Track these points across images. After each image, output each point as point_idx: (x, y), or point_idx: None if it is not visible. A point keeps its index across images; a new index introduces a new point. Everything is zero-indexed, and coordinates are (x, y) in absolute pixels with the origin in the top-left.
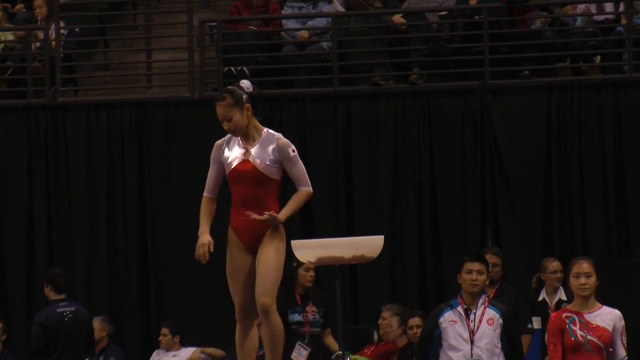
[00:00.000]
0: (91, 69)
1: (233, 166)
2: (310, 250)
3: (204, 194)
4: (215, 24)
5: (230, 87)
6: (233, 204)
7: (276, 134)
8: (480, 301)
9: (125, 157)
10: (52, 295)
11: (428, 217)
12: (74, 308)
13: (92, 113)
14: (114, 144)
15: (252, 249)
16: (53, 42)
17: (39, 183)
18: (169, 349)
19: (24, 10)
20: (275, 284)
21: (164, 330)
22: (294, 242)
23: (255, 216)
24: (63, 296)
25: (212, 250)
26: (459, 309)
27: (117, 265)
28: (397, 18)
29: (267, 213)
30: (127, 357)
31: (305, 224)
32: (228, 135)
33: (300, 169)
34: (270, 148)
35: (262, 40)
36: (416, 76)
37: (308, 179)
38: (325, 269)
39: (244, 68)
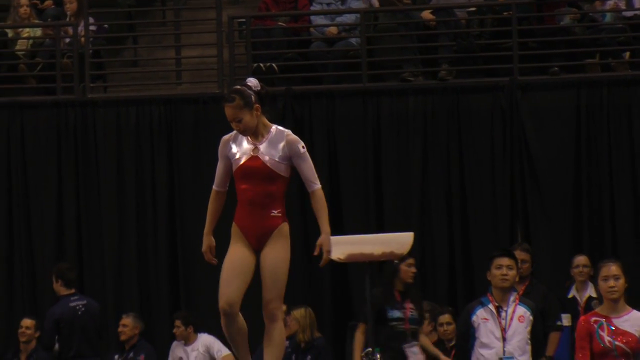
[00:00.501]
0: (120, 65)
1: (241, 162)
2: (340, 247)
3: (214, 187)
4: (244, 20)
5: (238, 87)
6: (240, 201)
7: (285, 130)
8: (512, 298)
9: (155, 153)
10: (62, 290)
11: (457, 214)
12: (85, 301)
13: (122, 109)
14: (143, 140)
15: (257, 248)
16: (82, 39)
17: (68, 180)
18: (185, 341)
19: (53, 6)
20: (284, 288)
21: (177, 322)
22: None
23: (323, 264)
24: (73, 290)
25: (214, 254)
26: (490, 306)
27: (146, 261)
28: (426, 14)
29: (320, 246)
30: (156, 353)
31: (335, 221)
32: (235, 131)
33: (310, 165)
34: (280, 144)
35: (291, 36)
36: (445, 72)
37: (316, 175)
38: (355, 266)
39: (273, 64)
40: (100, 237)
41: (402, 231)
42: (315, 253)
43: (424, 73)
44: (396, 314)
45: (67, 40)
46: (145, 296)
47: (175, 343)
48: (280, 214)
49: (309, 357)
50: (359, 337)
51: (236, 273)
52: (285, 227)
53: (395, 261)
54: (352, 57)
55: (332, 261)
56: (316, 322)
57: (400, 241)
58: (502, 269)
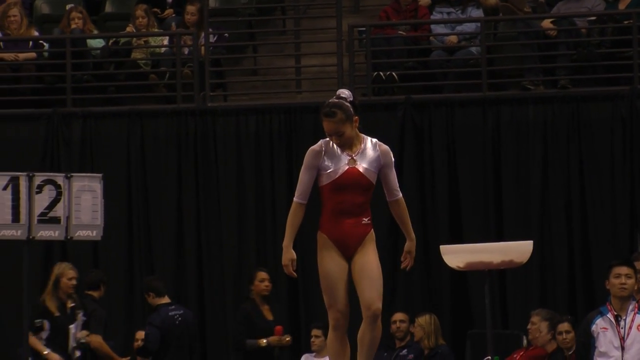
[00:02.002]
0: (240, 74)
1: (340, 173)
2: (459, 256)
3: (296, 199)
4: (364, 29)
5: (337, 101)
6: (330, 211)
7: (375, 139)
8: (630, 307)
9: (275, 162)
10: (157, 300)
11: (577, 223)
12: (182, 311)
13: (241, 118)
14: (263, 149)
15: (347, 256)
16: (202, 47)
17: (188, 188)
18: (318, 352)
19: (174, 15)
20: (382, 288)
21: (317, 332)
22: (443, 247)
23: (407, 266)
24: (167, 298)
25: (294, 267)
26: (609, 315)
27: (266, 265)
28: (546, 23)
29: (408, 252)
30: None
31: (454, 229)
32: (324, 141)
33: (395, 174)
34: (375, 154)
35: (411, 45)
36: (566, 81)
37: None
38: (474, 274)
39: (393, 73)
40: (220, 246)
41: (521, 240)
42: (403, 259)
43: (544, 82)
44: None
45: (187, 49)
46: None
47: (305, 355)
48: (369, 221)
49: None
50: None
51: (339, 282)
52: (373, 233)
53: None
54: (472, 66)
55: (451, 269)
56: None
57: (519, 250)
58: (621, 278)
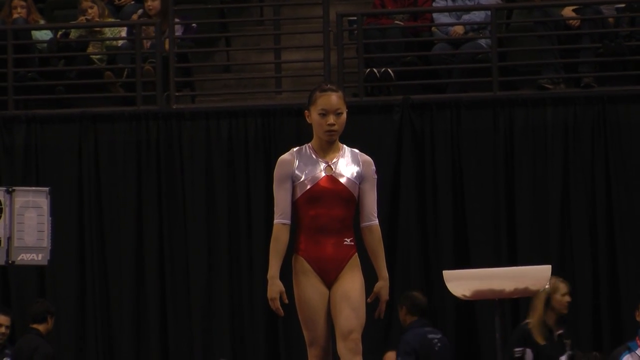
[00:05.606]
0: (211, 71)
1: (315, 182)
2: (465, 283)
3: (280, 220)
4: (355, 18)
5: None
6: (306, 229)
7: (355, 149)
8: None
9: (251, 172)
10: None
11: (603, 243)
12: (440, 335)
13: (212, 122)
14: (238, 157)
15: (327, 282)
16: (167, 40)
17: (150, 204)
18: None
19: (133, 2)
20: (365, 318)
21: None
22: (446, 273)
23: (381, 314)
24: (416, 317)
25: (285, 301)
26: (639, 352)
27: (240, 296)
28: (568, 11)
29: (378, 293)
30: None
31: (460, 252)
32: (295, 150)
33: (375, 195)
34: (355, 163)
35: (410, 37)
36: (590, 79)
37: None
38: (483, 304)
39: (389, 70)
40: (186, 272)
41: (538, 264)
42: (370, 300)
43: (565, 80)
44: None
45: (149, 42)
46: (238, 336)
47: None
48: (352, 243)
49: None
50: None
51: (321, 314)
52: (357, 257)
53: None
54: (481, 62)
55: (456, 299)
56: None
57: (536, 276)
58: None
